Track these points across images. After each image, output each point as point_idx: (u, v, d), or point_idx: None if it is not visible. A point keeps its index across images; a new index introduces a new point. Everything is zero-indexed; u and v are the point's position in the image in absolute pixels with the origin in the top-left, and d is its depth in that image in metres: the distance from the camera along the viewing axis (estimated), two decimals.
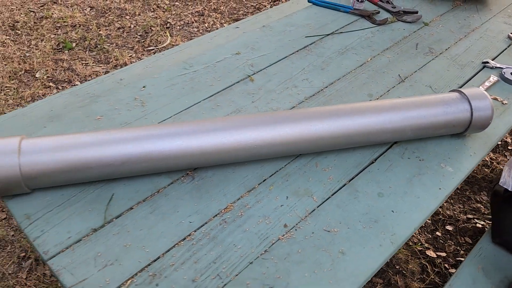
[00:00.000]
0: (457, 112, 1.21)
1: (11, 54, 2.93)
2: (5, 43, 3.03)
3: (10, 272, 1.77)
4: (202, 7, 3.48)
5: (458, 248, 1.99)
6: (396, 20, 1.82)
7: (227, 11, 3.45)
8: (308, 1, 1.86)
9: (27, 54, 2.96)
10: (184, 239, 0.98)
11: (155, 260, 0.94)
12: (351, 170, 1.18)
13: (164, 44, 3.09)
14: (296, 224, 1.04)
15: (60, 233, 0.96)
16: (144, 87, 1.38)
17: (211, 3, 3.55)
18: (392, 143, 1.26)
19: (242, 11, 3.47)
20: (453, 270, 1.89)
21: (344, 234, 1.02)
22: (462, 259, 1.94)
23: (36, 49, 3.00)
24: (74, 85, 2.72)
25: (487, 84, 1.50)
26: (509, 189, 1.29)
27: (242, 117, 1.11)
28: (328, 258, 0.98)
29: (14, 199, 1.02)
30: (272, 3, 3.58)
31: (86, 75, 2.83)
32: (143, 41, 3.13)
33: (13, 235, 1.91)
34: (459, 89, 1.26)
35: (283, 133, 1.10)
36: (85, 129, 1.23)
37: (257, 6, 3.50)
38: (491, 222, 1.49)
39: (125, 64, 2.89)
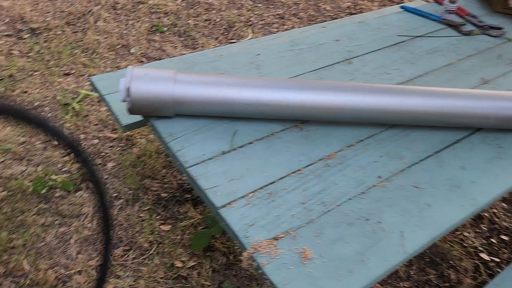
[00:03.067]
0: None
1: (111, 30, 3.28)
2: (106, 19, 3.39)
3: None
4: (282, 11, 3.73)
5: None
6: (481, 33, 1.96)
7: (306, 17, 3.69)
8: (401, 7, 2.04)
9: (124, 32, 3.30)
10: (294, 172, 1.17)
11: (271, 183, 1.13)
12: (437, 145, 1.34)
13: (246, 39, 3.35)
14: (388, 177, 1.20)
15: (196, 150, 1.18)
16: (258, 54, 1.60)
17: (291, 9, 3.80)
18: (474, 130, 1.41)
19: (320, 19, 3.69)
20: None
21: (430, 192, 1.18)
22: None
23: (132, 28, 3.34)
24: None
25: None
26: None
27: (351, 84, 1.30)
28: (416, 207, 1.13)
29: (160, 120, 1.25)
30: (348, 14, 3.79)
31: (174, 56, 3.12)
32: (227, 34, 3.41)
33: (106, 178, 2.17)
34: None
35: (384, 103, 1.28)
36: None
37: (334, 16, 3.73)
38: None
39: None
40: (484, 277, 1.98)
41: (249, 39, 3.35)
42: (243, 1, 3.84)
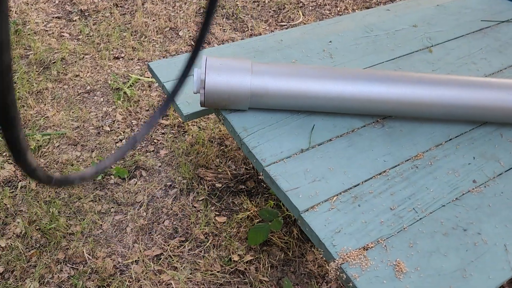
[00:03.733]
0: None
1: (159, 12, 3.22)
2: (154, 1, 3.33)
3: (158, 196, 1.99)
4: None
5: None
6: None
7: None
8: None
9: (172, 14, 3.23)
10: (380, 174, 1.07)
11: (356, 186, 1.04)
12: None
13: (297, 22, 3.21)
14: (485, 182, 1.08)
15: (273, 147, 1.09)
16: (330, 41, 1.49)
17: None
18: None
19: (374, 1, 3.50)
20: None
21: None
22: None
23: (180, 11, 3.27)
24: (213, 46, 2.94)
25: None
26: None
27: (438, 76, 1.17)
28: None
29: (232, 114, 1.17)
30: None
31: (223, 40, 3.03)
32: (276, 16, 3.28)
33: (160, 166, 2.13)
34: None
35: (478, 98, 1.15)
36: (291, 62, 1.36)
37: None
38: None
39: (260, 35, 3.06)
40: None
41: (300, 21, 3.22)
42: None
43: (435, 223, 0.98)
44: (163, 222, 1.90)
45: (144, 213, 1.92)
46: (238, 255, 1.76)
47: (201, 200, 1.97)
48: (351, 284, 0.86)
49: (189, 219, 1.89)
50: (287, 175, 1.03)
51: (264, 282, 1.70)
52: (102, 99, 2.47)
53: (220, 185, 2.04)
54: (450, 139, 1.19)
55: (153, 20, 3.18)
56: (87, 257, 1.72)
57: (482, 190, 1.06)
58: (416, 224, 0.97)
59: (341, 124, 1.18)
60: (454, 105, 1.14)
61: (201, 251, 1.78)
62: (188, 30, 3.12)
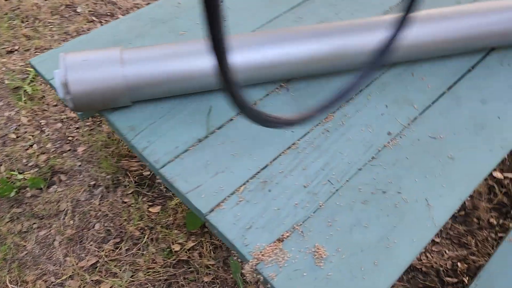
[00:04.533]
0: None
1: None
2: None
3: (83, 199, 1.83)
4: None
5: None
6: None
7: None
8: None
9: None
10: (289, 147, 0.97)
11: (264, 168, 0.93)
12: (449, 77, 1.13)
13: None
14: (400, 131, 1.01)
15: (167, 143, 0.96)
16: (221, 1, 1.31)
17: None
18: (488, 50, 1.19)
19: None
20: None
21: (451, 140, 0.99)
22: None
23: None
24: (117, 18, 2.66)
25: None
26: None
27: (335, 24, 1.05)
28: (438, 163, 0.95)
29: (115, 112, 1.01)
30: None
31: (128, 8, 2.75)
32: None
33: (80, 165, 1.96)
34: None
35: (377, 40, 1.04)
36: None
37: None
38: None
39: None
40: (500, 197, 1.87)
41: None
42: None
43: (352, 192, 0.90)
44: (93, 227, 1.76)
45: (71, 221, 1.77)
46: (179, 244, 1.67)
47: (130, 194, 1.83)
48: (269, 286, 0.78)
49: (121, 217, 1.76)
50: (186, 174, 0.91)
51: (210, 266, 1.62)
52: (0, 103, 2.20)
53: (148, 173, 1.90)
54: (360, 90, 1.09)
55: (45, 0, 2.83)
56: (11, 287, 1.57)
57: (398, 142, 0.98)
58: (332, 198, 0.89)
59: None
60: (361, 52, 1.04)
61: (139, 249, 1.67)
62: (87, 5, 2.80)
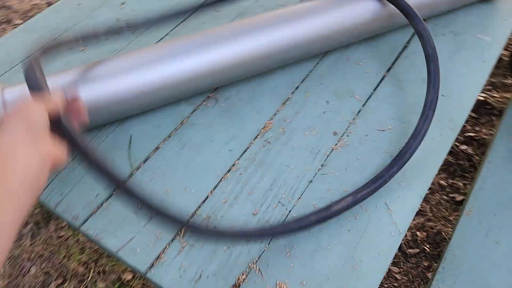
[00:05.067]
0: None
1: None
2: None
3: None
4: None
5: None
6: None
7: None
8: None
9: None
10: (229, 170, 0.85)
11: (204, 201, 0.81)
12: (386, 58, 1.05)
13: None
14: (346, 129, 0.92)
15: (84, 192, 0.81)
16: (123, 4, 1.14)
17: None
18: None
19: None
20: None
21: (400, 130, 0.92)
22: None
23: None
24: (16, 24, 2.35)
25: None
26: None
27: (256, 18, 0.93)
28: (390, 159, 0.87)
29: None
30: None
31: (26, 11, 2.44)
32: None
33: None
34: None
35: (306, 29, 0.94)
36: (71, 65, 1.01)
37: None
38: None
39: None
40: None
41: None
42: None
43: (307, 210, 0.80)
44: (28, 272, 1.57)
45: (1, 270, 1.57)
46: (130, 271, 1.53)
47: (65, 225, 1.65)
48: None
49: (59, 254, 1.58)
50: (113, 227, 0.77)
51: None
52: None
53: None
54: (296, 88, 0.98)
55: None
56: None
57: (345, 142, 0.90)
58: (287, 221, 0.79)
59: (165, 120, 0.91)
60: (290, 45, 0.93)
61: (86, 287, 1.51)
62: None
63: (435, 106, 0.86)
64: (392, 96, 0.97)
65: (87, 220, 0.77)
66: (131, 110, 0.86)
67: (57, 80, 0.80)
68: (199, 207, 0.80)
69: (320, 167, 0.86)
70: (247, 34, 0.90)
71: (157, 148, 0.87)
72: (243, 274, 0.73)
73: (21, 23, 2.57)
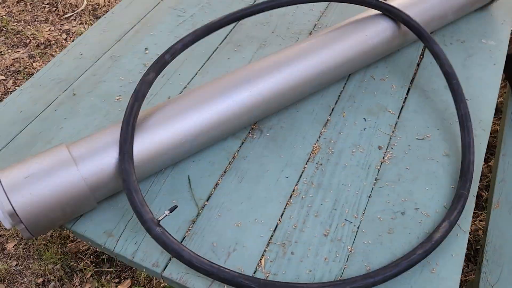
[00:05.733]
0: None
1: None
2: None
3: None
4: None
5: None
6: None
7: None
8: None
9: None
10: (291, 196, 0.88)
11: (275, 229, 0.83)
12: (406, 71, 1.11)
13: (82, 7, 2.67)
14: (389, 142, 0.97)
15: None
16: (146, 49, 1.16)
17: None
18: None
19: None
20: None
21: (438, 136, 0.97)
22: None
23: None
24: (1, 80, 2.30)
25: None
26: None
27: (287, 51, 0.97)
28: (436, 164, 0.93)
29: (80, 221, 0.83)
30: None
31: (7, 66, 2.39)
32: (55, 10, 2.69)
33: (17, 264, 1.66)
34: None
35: (334, 54, 0.99)
36: (110, 115, 1.01)
37: None
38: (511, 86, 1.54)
39: (48, 41, 2.48)
40: None
41: (86, 4, 2.69)
42: None
43: (374, 224, 0.84)
44: None
45: None
46: None
47: (90, 277, 1.60)
48: None
49: None
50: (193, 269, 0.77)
51: None
52: None
53: None
54: (332, 109, 1.03)
55: None
56: None
57: (392, 154, 0.94)
58: (358, 238, 0.82)
59: (217, 157, 0.93)
60: (323, 70, 0.98)
61: None
62: None
63: (470, 118, 0.92)
64: (422, 105, 1.03)
65: (168, 263, 0.77)
66: (185, 152, 0.88)
67: (96, 143, 0.81)
68: (272, 236, 0.82)
69: (374, 182, 0.90)
70: (281, 67, 0.94)
71: (216, 184, 0.89)
72: None
73: (4, 79, 2.51)
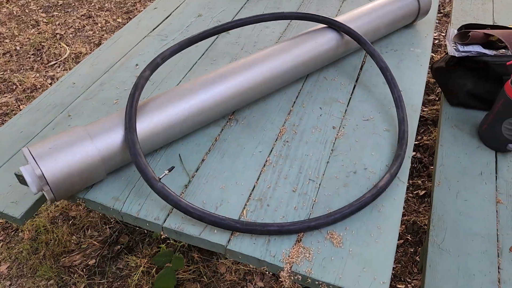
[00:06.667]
0: (409, 4, 1.47)
1: None
2: None
3: None
4: (85, 9, 3.31)
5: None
6: None
7: (114, 6, 3.34)
8: None
9: None
10: (264, 165, 1.08)
11: (253, 189, 1.02)
12: (352, 73, 1.37)
13: (66, 55, 2.90)
14: (341, 124, 1.19)
15: (157, 200, 0.98)
16: (137, 65, 1.38)
17: (93, 4, 3.39)
18: None
19: (129, 3, 3.39)
20: None
21: (379, 118, 1.21)
22: None
23: None
24: None
25: None
26: (455, 55, 1.61)
27: (257, 55, 1.21)
28: (379, 137, 1.15)
29: (92, 191, 1.00)
30: None
31: None
32: (40, 60, 2.90)
33: (10, 284, 1.74)
34: None
35: (294, 58, 1.23)
36: (109, 114, 1.20)
37: None
38: (443, 92, 1.82)
39: (34, 86, 2.67)
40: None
41: (69, 53, 2.92)
42: (35, 16, 3.28)
43: (332, 181, 1.04)
44: None
45: None
46: None
47: None
48: (309, 280, 0.86)
49: None
50: (189, 219, 0.95)
51: None
52: None
53: (94, 261, 1.78)
54: (294, 102, 1.26)
55: None
56: None
57: (343, 132, 1.17)
58: (320, 192, 1.02)
59: (201, 139, 1.13)
60: (288, 70, 1.21)
61: None
62: None
63: (403, 99, 1.17)
64: (365, 97, 1.28)
65: (166, 218, 0.95)
66: (176, 134, 1.07)
67: (106, 123, 1.00)
68: (250, 194, 1.01)
69: (331, 152, 1.11)
70: (251, 67, 1.17)
71: (202, 160, 1.08)
72: (301, 233, 0.93)
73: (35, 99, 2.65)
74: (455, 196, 1.39)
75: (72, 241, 1.83)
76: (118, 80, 1.32)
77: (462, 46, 1.63)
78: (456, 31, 1.72)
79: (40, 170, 0.87)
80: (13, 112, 2.52)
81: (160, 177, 0.93)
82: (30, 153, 0.89)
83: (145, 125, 1.01)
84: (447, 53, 1.85)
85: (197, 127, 1.12)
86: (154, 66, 1.07)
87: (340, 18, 1.35)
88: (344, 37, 1.31)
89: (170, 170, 0.96)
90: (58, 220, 1.91)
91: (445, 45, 2.95)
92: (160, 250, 1.74)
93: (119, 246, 1.80)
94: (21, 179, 1.07)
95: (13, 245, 1.84)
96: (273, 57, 1.21)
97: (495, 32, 1.61)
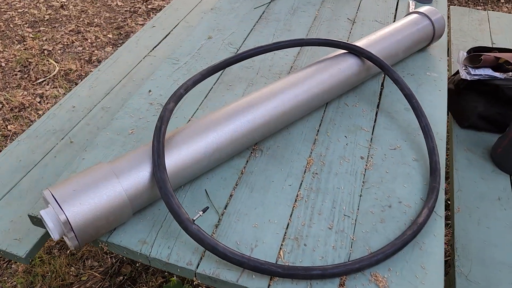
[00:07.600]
0: (425, 27, 1.45)
1: None
2: None
3: None
4: (73, 25, 3.20)
5: None
6: None
7: (104, 22, 3.25)
8: None
9: None
10: (296, 200, 1.02)
11: (287, 227, 0.96)
12: (372, 98, 1.33)
13: (55, 72, 2.79)
14: (368, 153, 1.15)
15: (188, 242, 0.91)
16: (150, 91, 1.31)
17: (81, 19, 3.29)
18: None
19: (120, 18, 3.30)
20: None
21: (406, 146, 1.18)
22: None
23: None
24: None
25: (412, 6, 1.79)
26: (468, 78, 1.60)
27: (278, 83, 1.16)
28: (409, 167, 1.12)
29: (116, 234, 0.92)
30: (145, 3, 3.48)
31: None
32: (27, 77, 2.78)
33: None
34: (416, 10, 1.50)
35: (315, 86, 1.19)
36: (126, 146, 1.13)
37: (132, 9, 3.37)
38: (452, 115, 1.81)
39: (22, 105, 2.55)
40: None
41: (58, 70, 2.81)
42: (21, 31, 3.16)
43: (368, 216, 0.99)
44: None
45: None
46: None
47: None
48: None
49: None
50: (223, 263, 0.88)
51: None
52: None
53: None
54: (318, 131, 1.21)
55: None
56: None
57: (372, 162, 1.13)
58: (357, 228, 0.97)
59: (227, 173, 1.07)
60: (314, 97, 1.17)
61: None
62: None
63: (431, 127, 1.14)
64: (389, 124, 1.24)
65: (199, 263, 0.88)
66: (203, 168, 1.01)
67: (132, 160, 0.93)
68: (285, 233, 0.95)
69: (362, 184, 1.07)
70: (280, 94, 1.12)
71: (231, 195, 1.02)
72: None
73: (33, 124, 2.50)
74: (477, 223, 1.37)
75: (71, 272, 1.73)
76: (131, 107, 1.25)
77: (473, 70, 1.63)
78: (465, 54, 1.72)
79: (65, 215, 0.80)
80: (0, 132, 2.40)
81: (194, 218, 0.86)
82: (53, 196, 0.81)
83: (172, 160, 0.95)
84: (453, 75, 1.85)
85: (224, 160, 1.06)
86: (177, 97, 1.01)
87: (359, 43, 1.32)
88: (365, 62, 1.28)
89: (204, 210, 0.90)
90: (54, 250, 1.80)
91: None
92: (166, 280, 1.66)
93: (121, 277, 1.71)
94: (35, 221, 0.99)
95: (6, 278, 1.72)
96: (299, 84, 1.16)
97: (504, 55, 1.62)
